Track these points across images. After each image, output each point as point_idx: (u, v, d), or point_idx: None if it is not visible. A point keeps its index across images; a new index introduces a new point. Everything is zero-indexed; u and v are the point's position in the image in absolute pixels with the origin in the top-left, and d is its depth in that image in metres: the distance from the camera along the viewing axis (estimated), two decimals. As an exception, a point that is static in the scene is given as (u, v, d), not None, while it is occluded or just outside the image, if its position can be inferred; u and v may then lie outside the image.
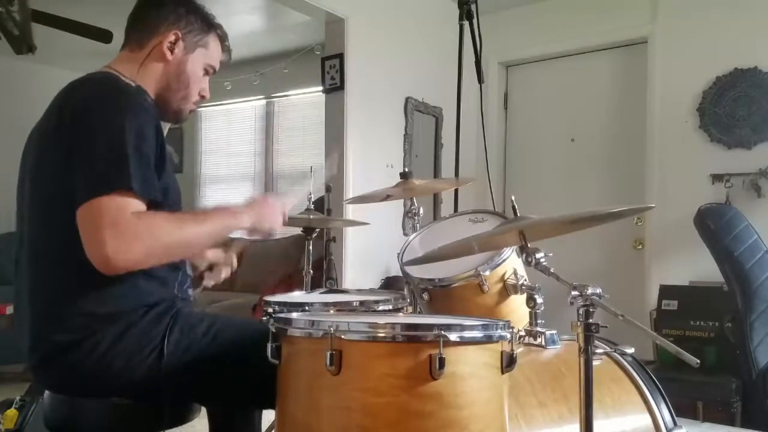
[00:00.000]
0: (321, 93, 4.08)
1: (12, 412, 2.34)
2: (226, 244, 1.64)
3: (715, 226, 3.41)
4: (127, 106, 1.30)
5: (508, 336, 1.15)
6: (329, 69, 3.91)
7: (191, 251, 1.41)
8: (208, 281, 1.67)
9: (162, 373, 1.31)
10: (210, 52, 1.53)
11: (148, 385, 1.31)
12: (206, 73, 1.55)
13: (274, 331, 1.20)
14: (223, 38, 1.57)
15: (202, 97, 1.56)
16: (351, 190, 3.77)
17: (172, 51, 1.47)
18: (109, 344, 1.29)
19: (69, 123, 1.29)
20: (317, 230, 2.36)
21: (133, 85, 1.42)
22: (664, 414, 1.46)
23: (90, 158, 1.24)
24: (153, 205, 1.29)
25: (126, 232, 1.19)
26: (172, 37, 1.46)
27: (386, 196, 2.05)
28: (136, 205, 1.23)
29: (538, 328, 1.50)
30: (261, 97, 6.00)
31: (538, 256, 1.28)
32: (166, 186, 1.36)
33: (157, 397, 1.34)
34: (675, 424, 1.46)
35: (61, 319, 1.29)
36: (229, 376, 1.38)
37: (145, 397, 1.34)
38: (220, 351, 1.37)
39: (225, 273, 1.68)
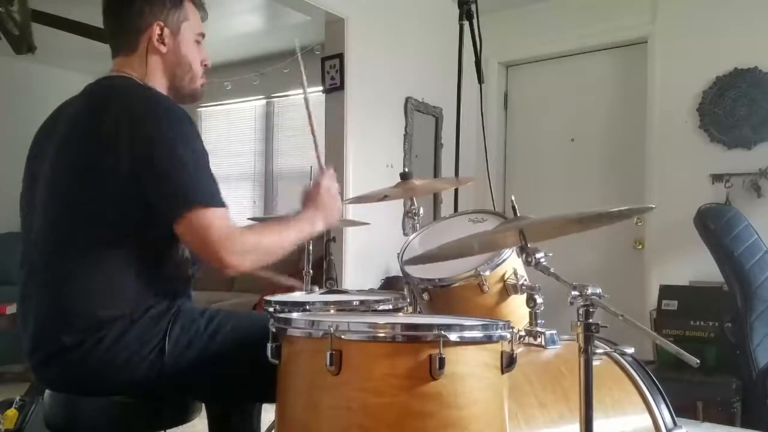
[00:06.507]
0: (321, 93, 4.08)
1: (12, 412, 2.33)
2: None
3: (715, 226, 3.40)
4: (178, 113, 1.34)
5: (508, 336, 1.15)
6: (329, 69, 3.91)
7: (277, 258, 1.47)
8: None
9: (163, 371, 1.31)
10: (192, 22, 1.53)
11: (149, 383, 1.32)
12: (198, 43, 1.55)
13: (274, 331, 1.20)
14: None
15: (206, 66, 1.57)
16: (351, 190, 3.77)
17: (163, 42, 1.47)
18: (111, 342, 1.29)
19: (125, 135, 1.28)
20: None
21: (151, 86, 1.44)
22: (664, 414, 1.46)
23: (172, 174, 1.28)
24: None
25: (240, 248, 1.29)
26: (157, 30, 1.46)
27: (383, 196, 2.05)
28: (229, 215, 1.32)
29: (538, 328, 1.50)
30: (261, 97, 5.99)
31: (538, 256, 1.28)
32: None
33: (159, 394, 1.34)
34: (675, 424, 1.46)
35: (67, 319, 1.30)
36: (230, 371, 1.38)
37: (146, 394, 1.34)
38: (221, 347, 1.37)
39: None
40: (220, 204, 1.30)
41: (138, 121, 1.30)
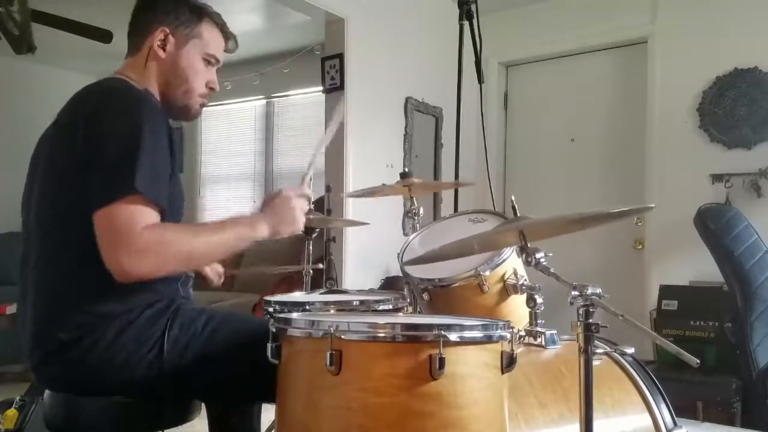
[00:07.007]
0: (321, 93, 4.08)
1: (12, 412, 2.34)
2: None
3: (715, 226, 3.40)
4: (139, 109, 1.31)
5: (508, 336, 1.15)
6: (329, 69, 3.91)
7: (204, 262, 1.42)
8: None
9: (163, 370, 1.32)
10: (205, 42, 1.51)
11: (148, 382, 1.32)
12: (208, 63, 1.53)
13: (274, 331, 1.20)
14: (220, 25, 1.55)
15: (211, 89, 1.55)
16: (351, 190, 3.77)
17: (163, 48, 1.47)
18: (109, 341, 1.30)
19: (82, 128, 1.29)
20: (317, 230, 2.35)
21: (140, 88, 1.43)
22: (664, 414, 1.46)
23: (103, 163, 1.26)
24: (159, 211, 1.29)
25: (137, 246, 1.20)
26: (161, 35, 1.47)
27: (381, 184, 2.04)
28: (148, 213, 1.24)
29: (538, 328, 1.50)
30: (261, 97, 5.99)
31: (538, 256, 1.28)
32: (171, 192, 1.36)
33: (158, 394, 1.34)
34: (675, 424, 1.46)
35: (64, 317, 1.30)
36: (229, 371, 1.38)
37: (145, 394, 1.34)
38: (219, 346, 1.37)
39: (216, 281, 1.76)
40: (147, 196, 1.22)
41: (97, 109, 1.30)
